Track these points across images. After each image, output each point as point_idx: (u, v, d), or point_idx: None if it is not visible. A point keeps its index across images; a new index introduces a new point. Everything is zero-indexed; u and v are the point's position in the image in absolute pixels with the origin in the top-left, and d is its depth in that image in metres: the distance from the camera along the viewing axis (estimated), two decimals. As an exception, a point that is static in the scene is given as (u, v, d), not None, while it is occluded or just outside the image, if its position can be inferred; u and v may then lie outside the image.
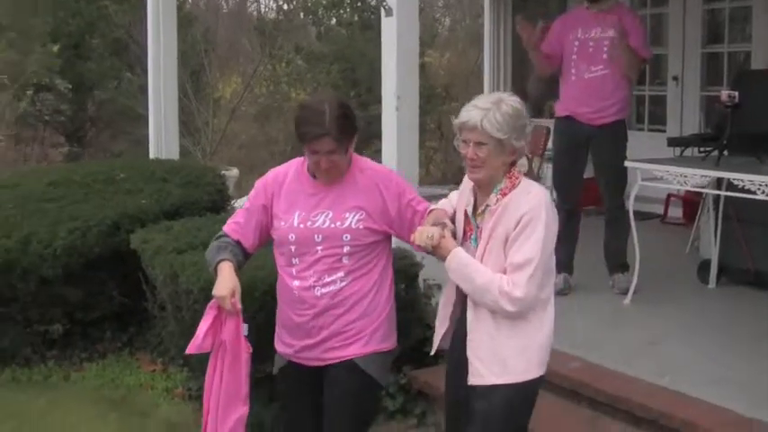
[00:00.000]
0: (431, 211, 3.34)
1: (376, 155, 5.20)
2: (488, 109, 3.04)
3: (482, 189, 3.16)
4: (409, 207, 3.41)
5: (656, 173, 5.42)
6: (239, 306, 3.32)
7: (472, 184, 3.21)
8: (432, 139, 24.86)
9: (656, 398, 4.03)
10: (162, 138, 8.25)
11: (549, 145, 7.04)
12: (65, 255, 5.86)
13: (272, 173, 3.53)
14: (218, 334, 3.36)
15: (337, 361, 3.39)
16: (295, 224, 3.36)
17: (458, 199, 3.31)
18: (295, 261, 3.38)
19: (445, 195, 3.44)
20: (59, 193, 6.74)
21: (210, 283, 3.55)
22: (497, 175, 3.10)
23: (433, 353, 3.47)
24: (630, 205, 5.51)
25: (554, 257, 3.22)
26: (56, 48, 15.25)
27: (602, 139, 5.69)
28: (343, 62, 20.29)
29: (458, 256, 3.13)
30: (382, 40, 5.28)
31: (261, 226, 3.47)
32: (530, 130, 3.14)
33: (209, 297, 3.47)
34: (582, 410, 4.12)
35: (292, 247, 3.38)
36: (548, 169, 7.21)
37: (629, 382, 4.19)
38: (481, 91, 10.64)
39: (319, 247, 3.32)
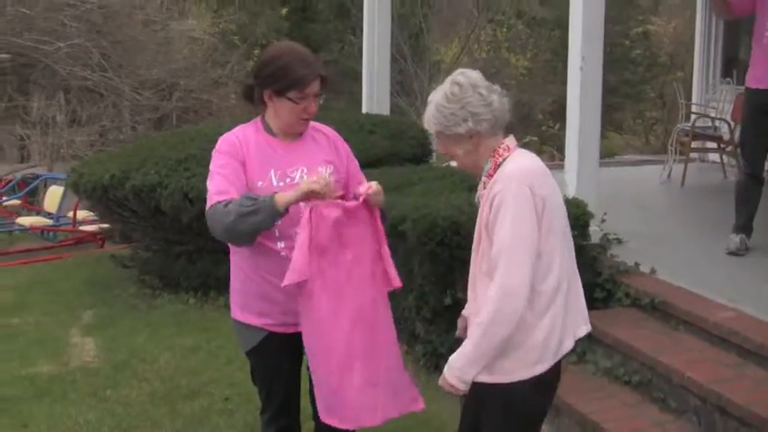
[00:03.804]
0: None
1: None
2: (430, 102, 2.85)
3: (479, 179, 2.87)
4: (352, 173, 3.39)
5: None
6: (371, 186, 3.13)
7: None
8: (652, 108, 24.33)
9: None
10: (374, 95, 8.85)
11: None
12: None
13: (228, 138, 3.24)
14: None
15: None
16: (275, 183, 3.17)
17: None
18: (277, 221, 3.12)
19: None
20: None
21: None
22: (475, 161, 2.82)
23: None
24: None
25: (553, 239, 2.72)
26: (284, 11, 16.22)
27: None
28: (565, 29, 20.27)
29: (453, 364, 2.77)
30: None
31: (245, 187, 3.16)
32: (483, 104, 2.75)
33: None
34: (731, 357, 4.29)
35: None
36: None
37: (778, 334, 4.29)
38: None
39: (302, 203, 3.05)
